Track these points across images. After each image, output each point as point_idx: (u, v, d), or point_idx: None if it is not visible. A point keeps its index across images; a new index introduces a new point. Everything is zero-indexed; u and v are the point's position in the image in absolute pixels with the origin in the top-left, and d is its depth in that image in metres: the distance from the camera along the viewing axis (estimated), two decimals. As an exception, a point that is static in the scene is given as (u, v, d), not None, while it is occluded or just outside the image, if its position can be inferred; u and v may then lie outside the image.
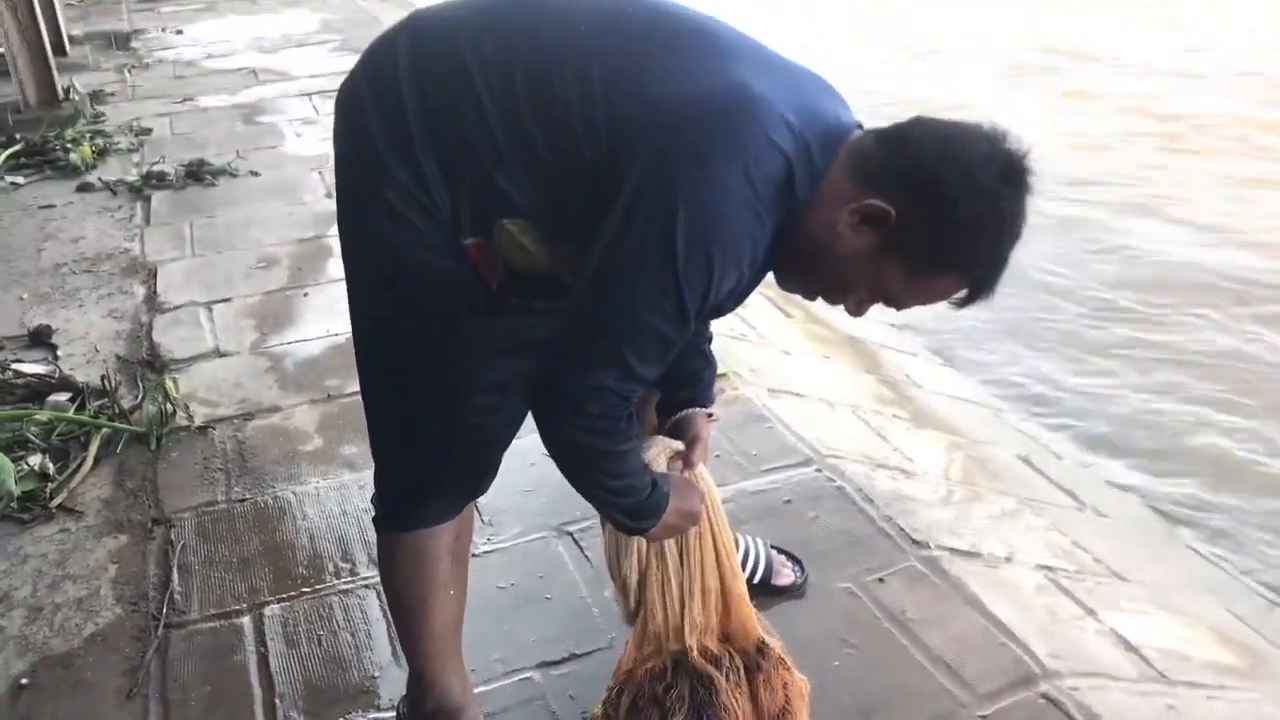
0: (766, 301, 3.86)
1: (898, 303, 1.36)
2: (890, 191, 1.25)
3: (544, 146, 1.29)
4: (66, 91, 5.71)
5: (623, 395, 1.30)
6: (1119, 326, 4.51)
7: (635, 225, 1.23)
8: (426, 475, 1.58)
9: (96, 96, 5.98)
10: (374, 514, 1.66)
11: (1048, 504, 2.86)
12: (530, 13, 1.34)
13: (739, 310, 3.49)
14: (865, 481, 2.45)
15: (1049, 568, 2.35)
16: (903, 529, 2.27)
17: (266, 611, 2.10)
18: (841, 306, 1.41)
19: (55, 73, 5.65)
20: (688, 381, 1.70)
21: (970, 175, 1.23)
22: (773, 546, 2.15)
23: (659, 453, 1.62)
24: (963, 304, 1.34)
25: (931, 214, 1.24)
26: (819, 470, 2.47)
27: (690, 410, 1.69)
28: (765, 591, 2.07)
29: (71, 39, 7.35)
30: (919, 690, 1.86)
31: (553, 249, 1.36)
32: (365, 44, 1.42)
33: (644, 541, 1.64)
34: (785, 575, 2.11)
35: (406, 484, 1.60)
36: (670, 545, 1.65)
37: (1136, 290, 4.77)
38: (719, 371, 2.86)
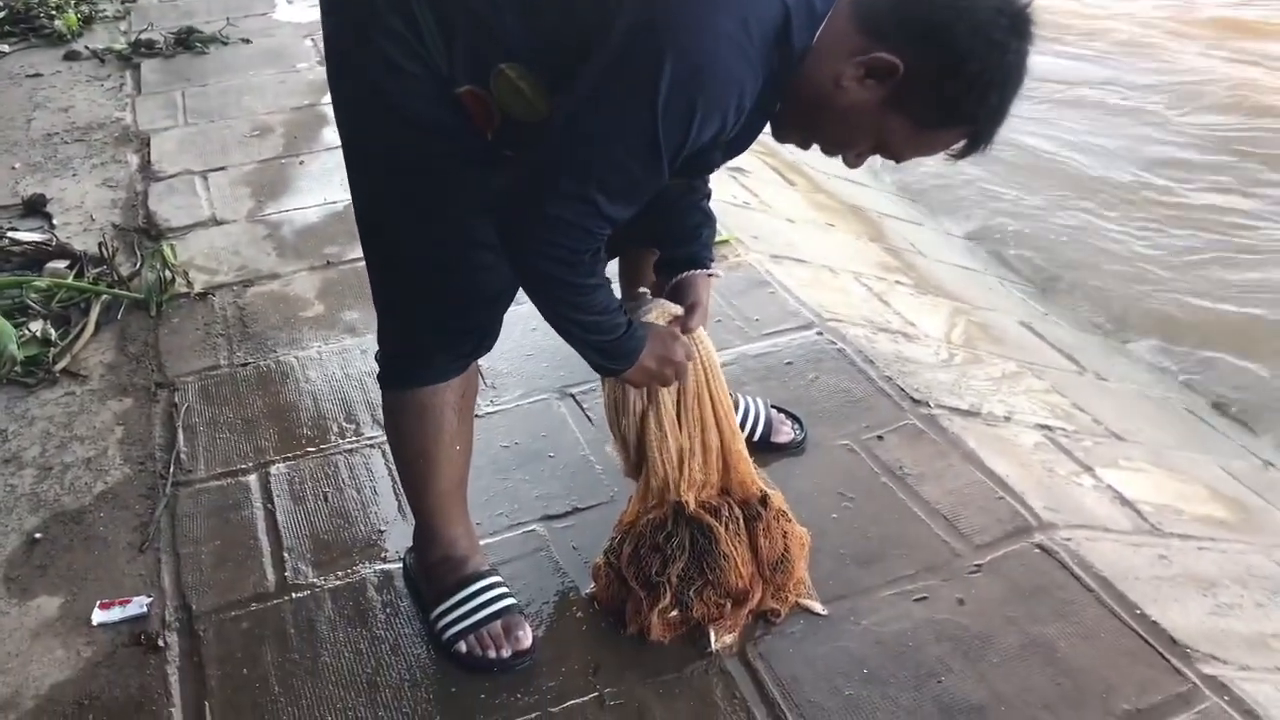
0: (769, 170, 3.81)
1: (899, 155, 1.35)
2: (898, 44, 1.21)
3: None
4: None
5: (587, 230, 1.29)
6: (1133, 205, 4.44)
7: (621, 62, 1.21)
8: (429, 332, 1.58)
9: (79, -37, 5.78)
10: (379, 372, 1.67)
11: (1049, 368, 2.86)
12: None
13: (741, 178, 3.47)
14: (866, 344, 2.45)
15: (1047, 427, 2.37)
16: (902, 389, 2.28)
17: (272, 470, 2.12)
18: (840, 158, 1.38)
19: (35, -63, 5.45)
20: (686, 239, 1.68)
21: (980, 27, 1.20)
22: (773, 406, 2.16)
23: (657, 316, 1.61)
24: (960, 155, 1.32)
25: (940, 68, 1.21)
26: (820, 333, 2.47)
27: (690, 273, 1.66)
28: (765, 449, 2.08)
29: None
30: (915, 541, 1.89)
31: (550, 95, 1.32)
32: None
33: (641, 399, 1.65)
34: (785, 433, 2.12)
35: (409, 341, 1.61)
36: (668, 405, 1.66)
37: (1151, 166, 4.69)
38: (722, 238, 2.86)
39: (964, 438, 2.15)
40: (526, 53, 1.29)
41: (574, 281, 1.35)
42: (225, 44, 4.54)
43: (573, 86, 1.24)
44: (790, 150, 4.30)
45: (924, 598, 1.78)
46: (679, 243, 1.68)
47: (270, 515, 2.01)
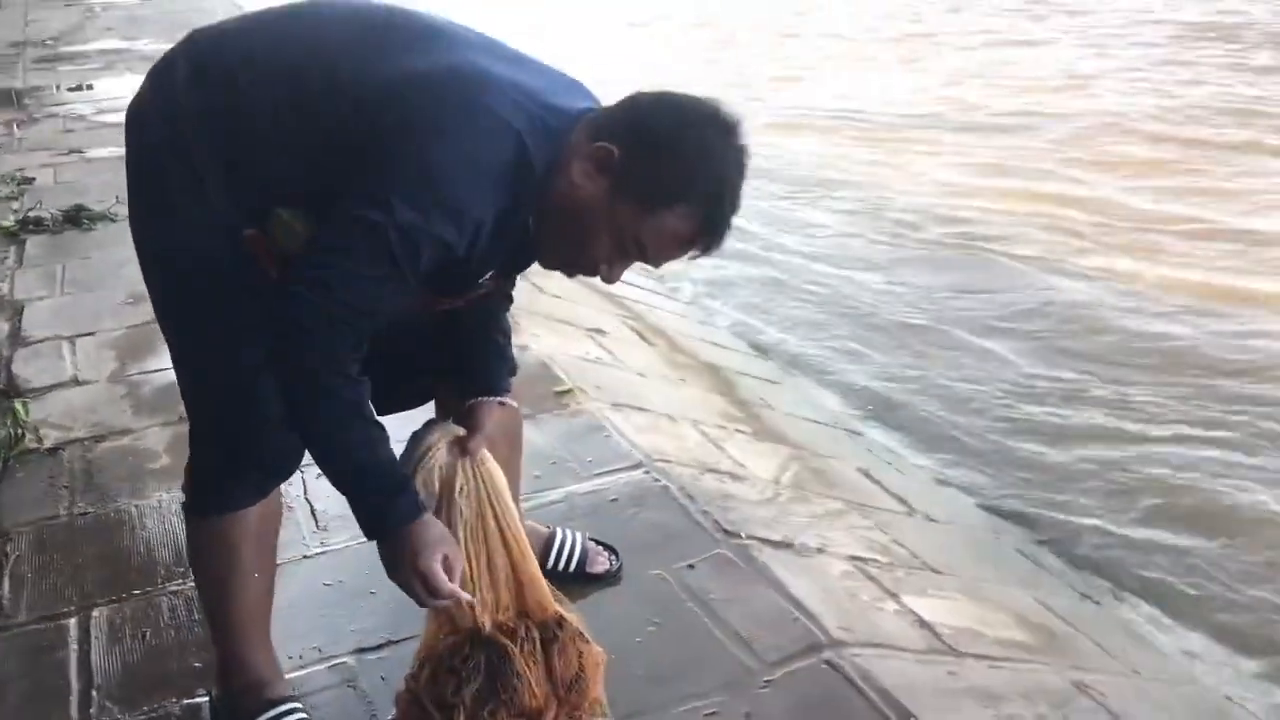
0: (630, 330, 4.03)
1: (642, 252, 1.51)
2: (615, 136, 1.43)
3: (307, 134, 1.44)
4: (-52, 142, 5.71)
5: (338, 330, 1.41)
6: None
7: (371, 180, 1.38)
8: (223, 460, 1.67)
9: (-22, 143, 5.99)
10: (183, 501, 1.75)
11: (877, 509, 3.02)
12: (290, 20, 1.50)
13: (598, 338, 3.66)
14: (690, 482, 2.59)
15: (860, 559, 2.50)
16: (718, 522, 2.41)
17: (94, 613, 2.15)
18: (599, 277, 1.56)
19: (-62, 124, 5.66)
20: (480, 370, 1.82)
21: (682, 115, 1.46)
22: (591, 539, 2.27)
23: (440, 436, 1.73)
24: (700, 254, 1.52)
25: (648, 148, 1.43)
26: (647, 472, 2.60)
27: (479, 399, 1.80)
28: (582, 579, 2.18)
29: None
30: (713, 661, 1.98)
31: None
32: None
33: None
34: (600, 563, 2.22)
35: (208, 469, 1.70)
36: (456, 530, 1.75)
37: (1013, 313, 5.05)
38: (564, 388, 3.01)
39: (771, 566, 2.27)
40: (299, 195, 1.46)
41: (329, 384, 1.44)
42: (114, 221, 4.68)
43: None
44: (654, 313, 4.55)
45: (714, 713, 1.86)
46: (474, 374, 1.82)
47: (84, 655, 2.03)
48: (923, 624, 2.25)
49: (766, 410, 3.68)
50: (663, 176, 1.44)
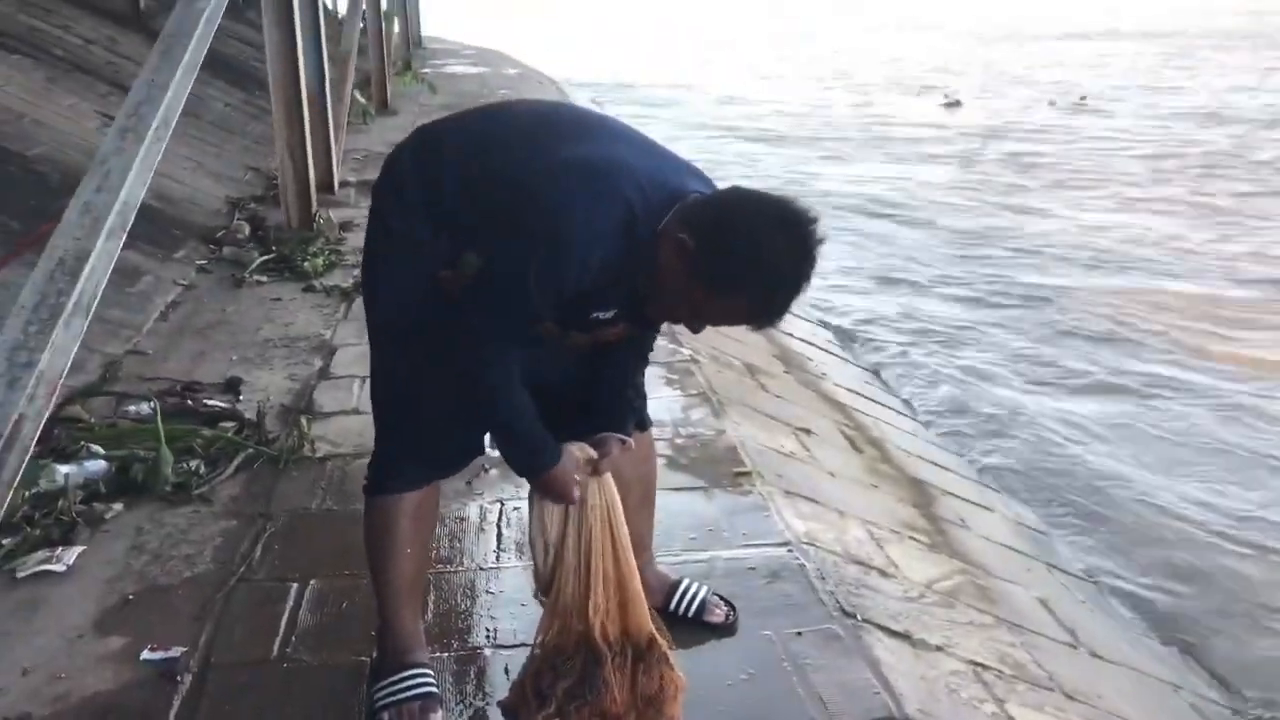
0: (841, 435, 4.24)
1: (708, 322, 1.92)
2: (693, 228, 1.80)
3: (485, 203, 1.91)
4: (318, 218, 6.93)
5: (491, 346, 1.91)
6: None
7: (523, 237, 1.84)
8: (393, 452, 2.14)
9: (345, 226, 7.19)
10: (363, 484, 2.23)
11: (1034, 633, 3.02)
12: (486, 119, 2.04)
13: (803, 437, 3.90)
14: (829, 566, 2.78)
15: (981, 665, 2.57)
16: (839, 602, 2.58)
17: (312, 582, 2.67)
18: (684, 327, 1.98)
19: (314, 204, 6.90)
20: (608, 416, 2.17)
21: (749, 217, 1.80)
22: (715, 594, 2.53)
23: (577, 454, 2.10)
24: (757, 329, 1.90)
25: (716, 246, 1.78)
26: (790, 551, 2.82)
27: (607, 434, 2.16)
28: (698, 625, 2.45)
29: (343, 183, 8.80)
30: (785, 712, 2.18)
31: None
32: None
33: (560, 526, 2.11)
34: (716, 615, 2.48)
35: (379, 459, 2.18)
36: (571, 537, 2.10)
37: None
38: (744, 469, 3.29)
39: (874, 648, 2.42)
40: (478, 244, 1.92)
41: (494, 376, 1.92)
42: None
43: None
44: (878, 425, 4.71)
45: (772, 753, 2.06)
46: (604, 417, 2.18)
47: (295, 611, 2.55)
48: (1017, 730, 2.31)
49: (958, 529, 3.73)
50: (725, 271, 1.80)
